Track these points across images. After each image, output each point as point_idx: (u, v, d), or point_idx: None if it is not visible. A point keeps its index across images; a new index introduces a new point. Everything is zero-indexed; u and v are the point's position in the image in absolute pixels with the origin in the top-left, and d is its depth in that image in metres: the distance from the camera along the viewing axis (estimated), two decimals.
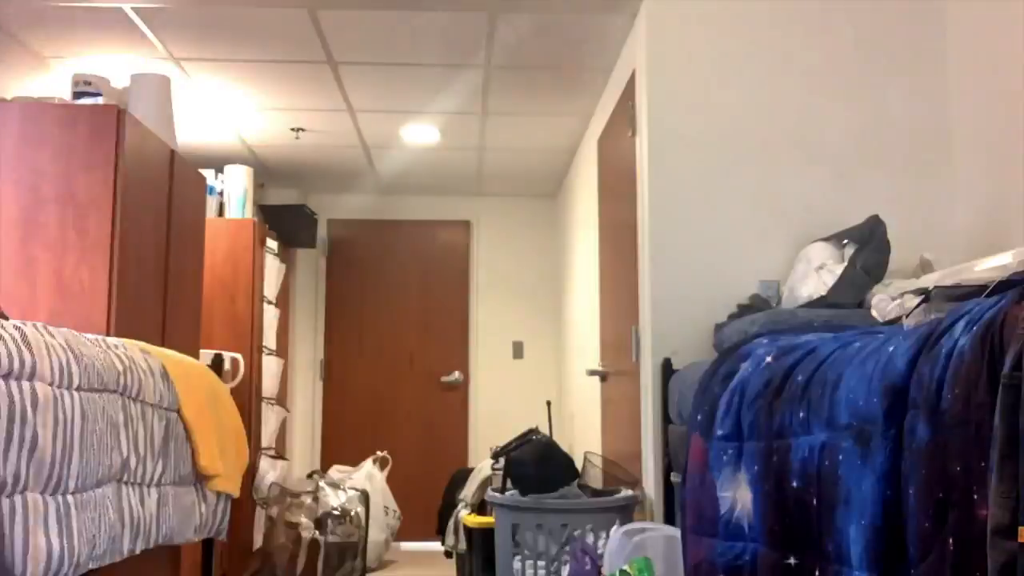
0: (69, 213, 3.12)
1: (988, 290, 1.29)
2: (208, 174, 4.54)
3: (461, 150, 5.26)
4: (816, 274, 2.78)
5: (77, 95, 3.45)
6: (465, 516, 4.21)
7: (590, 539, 2.91)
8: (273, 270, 5.20)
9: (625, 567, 2.48)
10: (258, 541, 4.77)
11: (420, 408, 6.18)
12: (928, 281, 1.56)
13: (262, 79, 4.10)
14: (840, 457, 1.44)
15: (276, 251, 5.30)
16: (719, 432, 1.91)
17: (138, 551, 2.23)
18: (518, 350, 6.24)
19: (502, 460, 3.35)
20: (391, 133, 4.94)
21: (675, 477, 2.79)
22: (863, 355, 1.48)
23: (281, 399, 5.40)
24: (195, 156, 4.63)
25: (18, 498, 1.65)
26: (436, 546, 4.80)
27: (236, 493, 2.91)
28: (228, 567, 4.49)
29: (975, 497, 1.10)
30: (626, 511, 3.01)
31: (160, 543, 2.40)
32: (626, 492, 3.09)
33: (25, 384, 1.68)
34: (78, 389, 1.89)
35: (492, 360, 6.22)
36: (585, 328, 4.74)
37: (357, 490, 4.91)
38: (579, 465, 3.28)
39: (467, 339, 6.26)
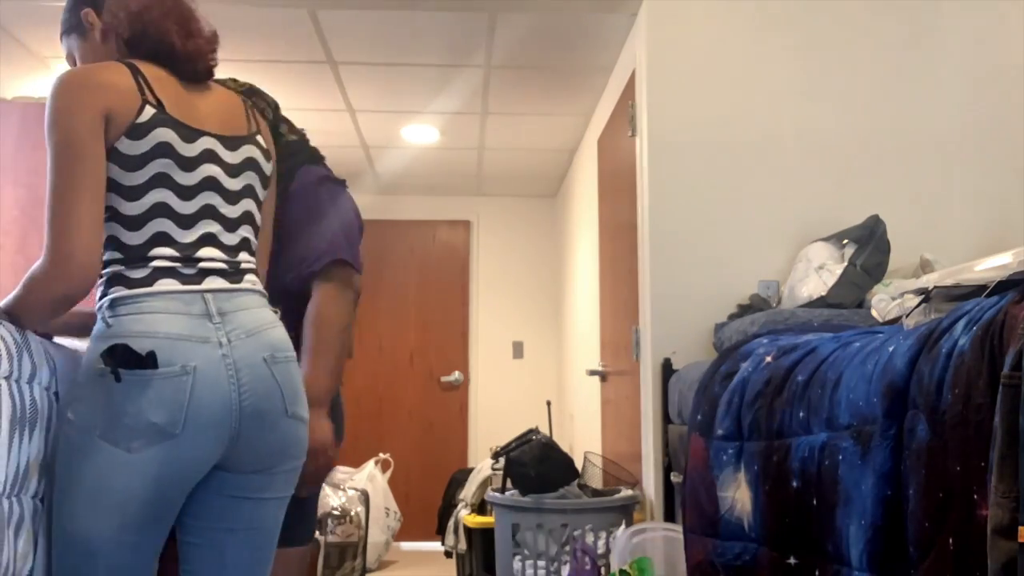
0: None
1: (988, 290, 1.29)
2: None
3: (461, 150, 5.26)
4: (816, 274, 2.78)
5: None
6: (465, 516, 4.21)
7: (590, 539, 2.91)
8: None
9: (625, 567, 2.48)
10: None
11: (420, 408, 6.18)
12: (928, 281, 1.56)
13: (262, 79, 4.07)
14: (840, 457, 1.44)
15: None
16: (719, 432, 1.91)
17: None
18: (518, 350, 6.24)
19: (502, 460, 3.35)
20: (391, 133, 4.94)
21: (675, 477, 2.79)
22: (863, 355, 1.48)
23: None
24: None
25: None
26: (436, 546, 4.80)
27: None
28: None
29: (975, 497, 1.10)
30: (626, 511, 3.01)
31: None
32: (626, 492, 3.09)
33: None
34: None
35: (492, 360, 6.21)
36: (585, 328, 4.74)
37: (357, 490, 4.91)
38: (579, 465, 3.28)
39: (467, 339, 6.26)
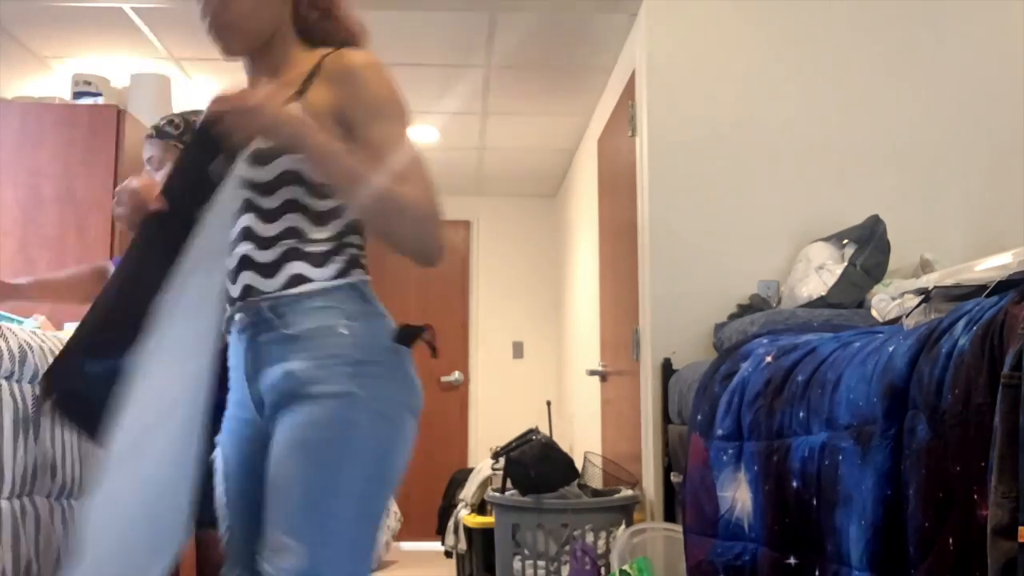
0: (69, 213, 3.12)
1: (988, 290, 1.29)
2: None
3: (461, 150, 5.26)
4: (816, 274, 2.78)
5: (77, 95, 3.45)
6: (465, 516, 4.21)
7: (590, 539, 2.91)
8: None
9: (625, 567, 2.48)
10: None
11: None
12: (928, 281, 1.56)
13: None
14: (840, 457, 1.44)
15: None
16: (719, 432, 1.91)
17: None
18: (518, 350, 6.23)
19: (502, 460, 3.35)
20: None
21: (675, 477, 2.79)
22: (863, 355, 1.48)
23: None
24: None
25: None
26: (436, 546, 4.80)
27: None
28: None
29: (975, 497, 1.10)
30: (626, 511, 3.01)
31: None
32: (626, 492, 3.09)
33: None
34: None
35: (492, 360, 6.21)
36: (585, 328, 4.74)
37: None
38: (579, 465, 3.28)
39: (467, 339, 6.26)
